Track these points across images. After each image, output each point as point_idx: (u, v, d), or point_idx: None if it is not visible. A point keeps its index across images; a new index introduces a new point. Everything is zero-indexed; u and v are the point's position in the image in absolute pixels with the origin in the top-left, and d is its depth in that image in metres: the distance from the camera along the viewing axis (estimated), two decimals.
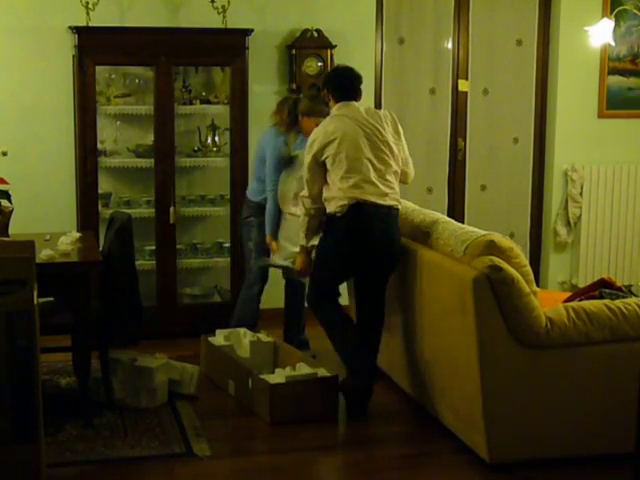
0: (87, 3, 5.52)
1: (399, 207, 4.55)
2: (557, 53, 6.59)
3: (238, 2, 5.86)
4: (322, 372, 4.59)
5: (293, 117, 5.30)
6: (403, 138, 4.63)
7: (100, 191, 5.67)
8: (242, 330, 5.14)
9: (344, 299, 5.76)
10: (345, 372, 4.60)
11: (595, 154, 6.69)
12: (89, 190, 5.59)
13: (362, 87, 4.67)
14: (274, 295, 6.17)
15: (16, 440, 3.44)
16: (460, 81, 6.58)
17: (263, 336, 5.11)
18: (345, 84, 4.62)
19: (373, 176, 4.43)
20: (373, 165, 4.45)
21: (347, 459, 4.15)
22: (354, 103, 4.59)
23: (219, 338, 5.10)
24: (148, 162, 5.73)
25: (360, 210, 4.41)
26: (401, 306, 4.62)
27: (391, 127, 4.58)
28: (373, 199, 4.42)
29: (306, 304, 4.98)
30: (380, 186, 4.44)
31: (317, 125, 4.74)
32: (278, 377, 4.51)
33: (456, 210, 6.65)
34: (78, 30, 5.44)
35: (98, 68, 5.56)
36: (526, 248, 6.70)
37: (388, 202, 4.45)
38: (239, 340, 5.07)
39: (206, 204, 5.97)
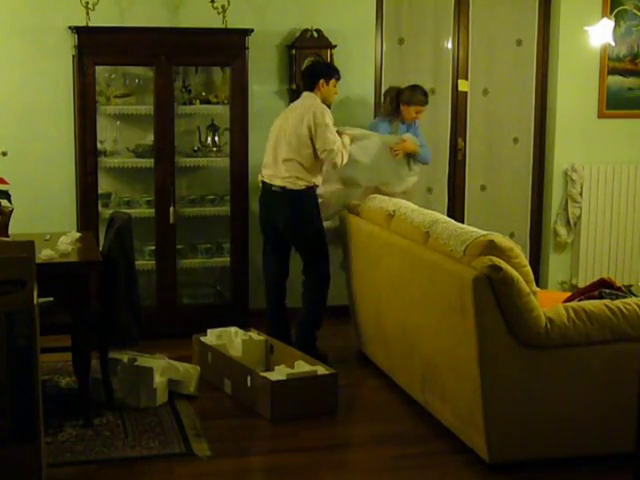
0: (87, 3, 5.52)
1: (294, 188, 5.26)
2: (557, 53, 6.59)
3: (238, 2, 5.86)
4: (322, 370, 4.60)
5: (395, 106, 5.95)
6: (324, 131, 5.20)
7: (100, 191, 5.68)
8: (233, 329, 5.16)
9: (343, 299, 5.79)
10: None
11: (595, 154, 6.69)
12: (89, 190, 5.59)
13: (312, 79, 5.36)
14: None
15: (16, 440, 3.44)
16: (460, 81, 6.58)
17: (254, 335, 5.12)
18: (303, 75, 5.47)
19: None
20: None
21: (347, 459, 4.15)
22: (304, 94, 5.38)
23: (211, 337, 5.11)
24: (148, 162, 5.73)
25: None
26: (401, 306, 4.63)
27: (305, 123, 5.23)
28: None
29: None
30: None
31: (416, 113, 5.90)
32: (278, 374, 4.52)
33: (456, 210, 6.65)
34: (78, 30, 5.44)
35: (98, 68, 5.56)
36: (526, 248, 6.70)
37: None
38: (231, 339, 5.08)
39: (206, 204, 5.96)
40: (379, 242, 4.91)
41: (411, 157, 5.87)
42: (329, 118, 5.25)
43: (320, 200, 5.44)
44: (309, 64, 5.64)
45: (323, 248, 5.40)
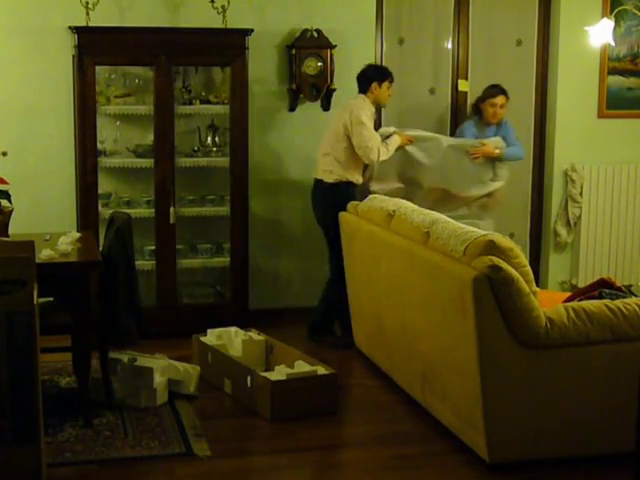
0: (87, 3, 5.52)
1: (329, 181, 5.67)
2: (557, 53, 6.59)
3: (238, 2, 5.86)
4: (321, 370, 4.60)
5: (475, 108, 6.26)
6: (360, 129, 5.53)
7: (100, 191, 5.67)
8: (233, 329, 5.16)
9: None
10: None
11: (595, 154, 6.69)
12: (89, 190, 5.59)
13: (365, 82, 5.67)
14: (267, 295, 6.20)
15: (16, 440, 3.44)
16: (460, 81, 6.58)
17: (254, 335, 5.12)
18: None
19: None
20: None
21: (347, 459, 4.15)
22: (355, 96, 5.70)
23: (211, 337, 5.11)
24: (148, 162, 5.73)
25: None
26: (401, 306, 4.62)
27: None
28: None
29: None
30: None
31: (491, 106, 6.13)
32: (278, 374, 4.53)
33: None
34: (78, 30, 5.44)
35: (98, 68, 5.56)
36: (526, 248, 6.70)
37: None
38: (230, 339, 5.08)
39: (206, 204, 5.97)
40: (379, 242, 4.91)
41: (495, 161, 5.96)
42: (366, 117, 5.55)
43: None
44: (363, 68, 5.77)
45: (339, 244, 5.57)
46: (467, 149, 5.93)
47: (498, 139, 6.05)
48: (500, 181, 6.05)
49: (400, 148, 5.77)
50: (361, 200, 5.46)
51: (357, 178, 5.70)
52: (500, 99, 6.15)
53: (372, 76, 5.68)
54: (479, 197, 6.00)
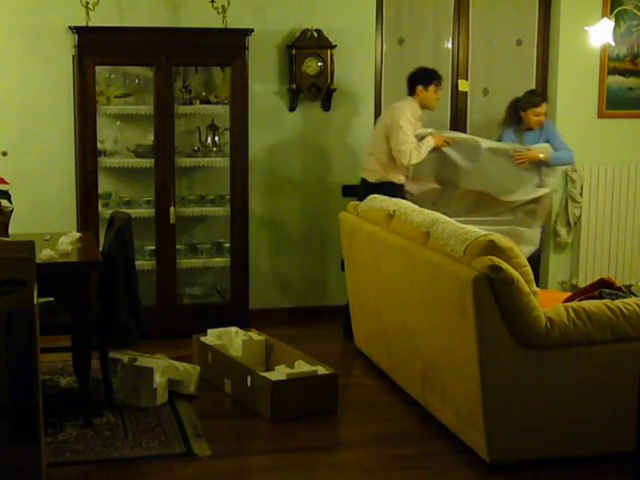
0: (87, 3, 5.52)
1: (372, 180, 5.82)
2: (557, 53, 6.59)
3: (238, 2, 5.86)
4: (321, 370, 4.60)
5: (514, 114, 6.14)
6: (396, 132, 5.64)
7: (100, 191, 5.67)
8: (233, 329, 5.16)
9: (343, 299, 5.79)
10: None
11: (595, 154, 6.68)
12: (89, 190, 5.59)
13: (411, 85, 5.82)
14: (267, 295, 6.20)
15: (16, 440, 3.44)
16: (460, 81, 6.58)
17: (255, 335, 5.12)
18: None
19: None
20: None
21: (347, 459, 4.14)
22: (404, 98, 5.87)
23: (211, 337, 5.11)
24: (148, 162, 5.73)
25: None
26: (401, 306, 4.62)
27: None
28: None
29: None
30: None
31: (535, 116, 6.01)
32: (278, 374, 4.53)
33: None
34: (78, 30, 5.44)
35: (98, 68, 5.56)
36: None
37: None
38: (231, 339, 5.08)
39: (206, 204, 5.97)
40: (379, 242, 4.91)
41: (542, 167, 5.94)
42: (405, 120, 5.68)
43: (409, 197, 5.70)
44: (413, 70, 5.87)
45: None
46: (510, 153, 5.90)
47: (546, 146, 5.99)
48: (546, 188, 5.99)
49: (436, 149, 5.80)
50: (405, 199, 5.54)
51: (399, 178, 5.79)
52: (544, 107, 6.09)
53: (418, 79, 5.79)
54: (523, 203, 5.95)
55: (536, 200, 5.99)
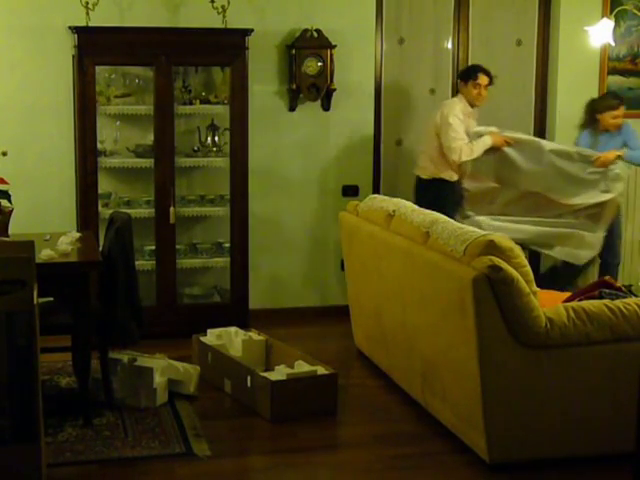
0: (87, 3, 5.52)
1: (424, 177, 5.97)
2: (557, 53, 6.59)
3: (238, 2, 5.86)
4: (321, 370, 4.60)
5: (590, 116, 6.15)
6: (446, 129, 5.79)
7: (100, 191, 5.67)
8: (233, 329, 5.16)
9: (343, 299, 5.79)
10: None
11: None
12: (89, 190, 5.59)
13: (460, 81, 6.02)
14: (267, 295, 6.20)
15: (16, 440, 3.44)
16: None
17: (255, 335, 5.12)
18: None
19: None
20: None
21: (347, 459, 4.14)
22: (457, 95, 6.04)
23: (211, 337, 5.11)
24: (148, 162, 5.73)
25: None
26: (401, 306, 4.63)
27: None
28: None
29: None
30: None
31: (613, 118, 6.01)
32: (278, 374, 4.52)
33: None
34: (78, 30, 5.44)
35: (98, 68, 5.56)
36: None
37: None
38: (230, 339, 5.08)
39: (206, 204, 5.96)
40: (379, 242, 4.91)
41: (609, 172, 5.92)
42: (454, 117, 5.79)
43: (466, 194, 5.81)
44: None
45: None
46: (574, 156, 5.89)
47: (613, 151, 5.95)
48: (612, 193, 5.95)
49: (496, 149, 5.84)
50: (459, 196, 5.69)
51: (450, 175, 5.86)
52: (621, 110, 6.09)
53: (460, 76, 6.07)
54: (586, 207, 5.92)
55: (600, 204, 5.94)
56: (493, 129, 5.92)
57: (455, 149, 5.76)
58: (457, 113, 5.82)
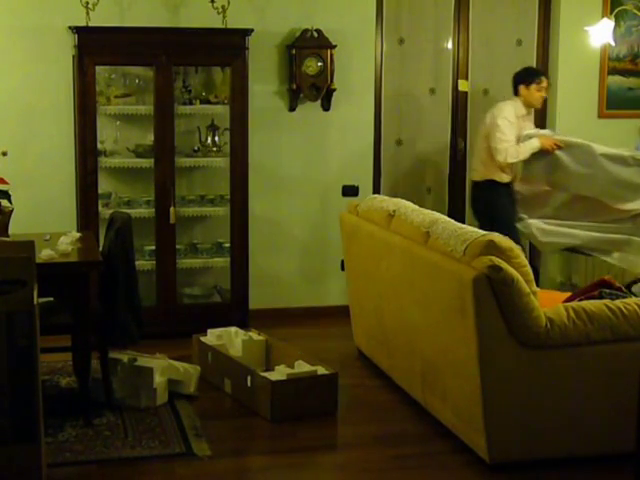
0: (87, 3, 5.52)
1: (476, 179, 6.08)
2: (557, 53, 6.59)
3: (238, 2, 5.86)
4: (321, 370, 4.60)
5: None
6: (494, 130, 5.86)
7: (100, 191, 5.67)
8: (233, 329, 5.16)
9: (343, 299, 5.79)
10: None
11: None
12: (89, 190, 5.59)
13: (515, 85, 6.03)
14: (267, 295, 6.20)
15: (16, 440, 3.44)
16: (460, 81, 6.59)
17: (255, 335, 5.12)
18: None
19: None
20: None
21: (347, 459, 4.15)
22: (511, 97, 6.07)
23: (211, 337, 5.11)
24: (148, 162, 5.73)
25: None
26: (401, 306, 4.62)
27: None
28: None
29: None
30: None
31: None
32: (278, 374, 4.52)
33: (456, 210, 6.64)
34: (78, 30, 5.44)
35: (98, 68, 5.56)
36: (526, 248, 6.69)
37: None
38: (230, 339, 5.08)
39: (206, 204, 5.97)
40: (379, 242, 4.91)
41: None
42: (503, 119, 5.85)
43: (519, 197, 5.84)
44: (516, 71, 6.08)
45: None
46: (628, 160, 5.86)
47: None
48: None
49: (546, 152, 5.84)
50: (512, 199, 5.73)
51: (501, 177, 5.90)
52: None
53: (519, 79, 6.00)
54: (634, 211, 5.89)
55: None
56: (545, 132, 5.96)
57: (501, 150, 5.81)
58: (507, 115, 5.87)
